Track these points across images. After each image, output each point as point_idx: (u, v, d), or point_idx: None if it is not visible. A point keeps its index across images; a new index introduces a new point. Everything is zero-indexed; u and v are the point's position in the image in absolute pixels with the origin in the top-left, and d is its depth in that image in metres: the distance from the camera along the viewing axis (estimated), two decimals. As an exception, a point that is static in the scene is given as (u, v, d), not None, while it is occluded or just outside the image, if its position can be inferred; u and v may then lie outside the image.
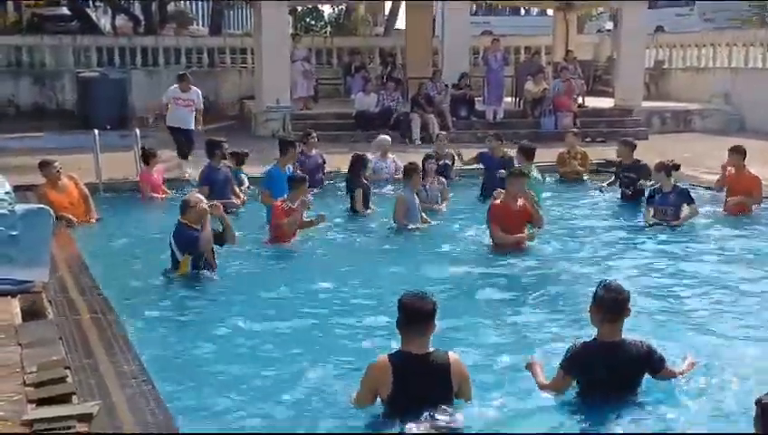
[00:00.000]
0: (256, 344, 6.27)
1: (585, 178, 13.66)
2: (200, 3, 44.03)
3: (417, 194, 10.45)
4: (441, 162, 12.43)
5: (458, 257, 8.97)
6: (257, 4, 19.85)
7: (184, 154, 13.85)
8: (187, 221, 7.85)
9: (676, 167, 10.65)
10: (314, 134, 13.22)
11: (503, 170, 11.69)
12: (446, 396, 4.74)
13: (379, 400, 4.81)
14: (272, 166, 10.82)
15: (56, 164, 10.66)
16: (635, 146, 12.15)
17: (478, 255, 9.10)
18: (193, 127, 14.02)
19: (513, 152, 11.86)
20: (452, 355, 4.86)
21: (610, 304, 4.98)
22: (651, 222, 10.18)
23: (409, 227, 9.89)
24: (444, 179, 11.84)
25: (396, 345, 4.99)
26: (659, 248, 9.30)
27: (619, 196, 11.88)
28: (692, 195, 10.49)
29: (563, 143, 14.33)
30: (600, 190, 12.25)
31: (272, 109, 18.67)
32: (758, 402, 3.83)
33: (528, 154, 11.16)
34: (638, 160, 11.84)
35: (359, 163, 11.35)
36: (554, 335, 6.39)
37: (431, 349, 4.78)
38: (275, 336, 6.47)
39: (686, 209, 10.21)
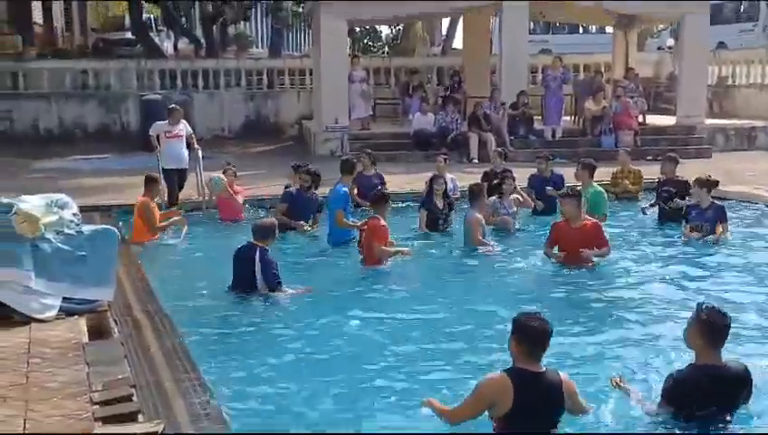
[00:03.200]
0: (323, 365, 6.28)
1: (640, 197, 13.44)
2: (260, 25, 44.76)
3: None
4: (495, 181, 12.33)
5: (519, 277, 8.96)
6: (316, 26, 20.09)
7: (173, 201, 12.64)
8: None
9: (716, 183, 10.54)
10: (371, 153, 13.26)
11: (549, 187, 11.71)
12: (560, 412, 4.89)
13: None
14: (339, 185, 10.75)
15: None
16: (678, 162, 12.02)
17: (535, 274, 9.06)
18: (187, 165, 13.14)
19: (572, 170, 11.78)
20: (562, 374, 4.97)
21: (718, 329, 4.98)
22: (688, 238, 10.14)
23: (490, 246, 9.90)
24: (520, 198, 11.74)
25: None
26: (702, 265, 9.23)
27: (658, 214, 11.70)
28: (727, 213, 10.46)
29: (615, 162, 14.11)
30: (644, 213, 12.06)
31: (330, 129, 18.82)
32: None
33: (589, 170, 11.05)
34: (679, 176, 11.69)
35: (428, 184, 11.42)
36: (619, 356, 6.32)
37: (544, 367, 4.87)
38: (343, 357, 6.48)
39: (719, 228, 10.10)
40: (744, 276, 8.88)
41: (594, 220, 9.25)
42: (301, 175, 11.38)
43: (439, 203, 11.13)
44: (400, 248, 9.46)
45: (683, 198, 11.09)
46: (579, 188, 10.25)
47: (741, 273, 9.03)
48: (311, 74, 22.94)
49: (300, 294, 8.11)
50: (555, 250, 9.11)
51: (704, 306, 5.08)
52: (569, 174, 12.31)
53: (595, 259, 9.01)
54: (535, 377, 4.79)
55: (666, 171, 11.87)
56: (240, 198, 12.37)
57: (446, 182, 11.45)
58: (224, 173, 12.41)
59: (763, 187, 13.72)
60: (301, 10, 30.54)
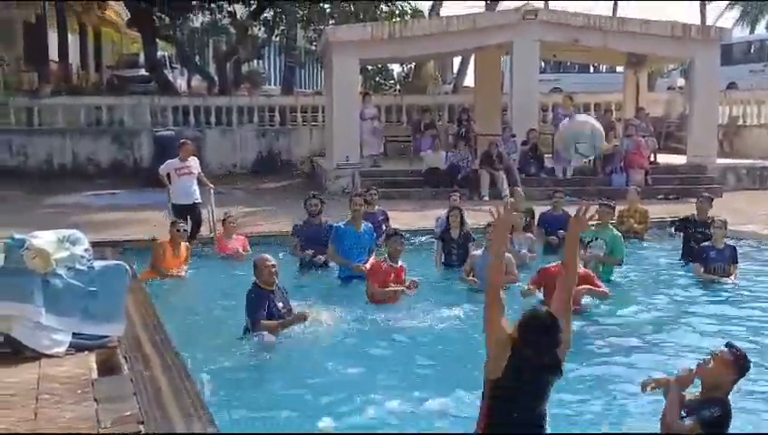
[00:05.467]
0: (334, 410, 6.24)
1: (645, 237, 13.36)
2: (273, 63, 45.17)
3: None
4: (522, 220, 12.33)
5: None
6: (329, 64, 20.27)
7: (192, 234, 12.39)
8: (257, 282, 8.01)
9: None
10: (375, 190, 13.26)
11: (562, 230, 11.62)
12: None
13: None
14: (342, 223, 10.81)
15: (182, 226, 11.18)
16: (712, 201, 11.96)
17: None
18: (199, 199, 13.00)
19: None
20: None
21: (747, 367, 5.02)
22: (705, 277, 10.11)
23: (476, 287, 9.74)
24: (531, 235, 11.80)
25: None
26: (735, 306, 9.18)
27: (682, 253, 11.60)
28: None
29: (625, 200, 14.04)
30: (671, 235, 12.01)
31: (342, 166, 18.90)
32: None
33: (612, 212, 11.02)
34: (711, 218, 11.55)
35: (445, 217, 11.51)
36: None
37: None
38: (350, 400, 6.44)
39: (733, 268, 10.17)
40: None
41: (586, 270, 8.97)
42: (306, 204, 11.38)
43: (454, 235, 11.16)
44: (396, 288, 9.20)
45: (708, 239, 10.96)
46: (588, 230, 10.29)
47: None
48: (323, 111, 23.11)
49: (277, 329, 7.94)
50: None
51: (734, 346, 5.10)
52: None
53: (586, 301, 8.83)
54: None
55: (701, 210, 11.66)
56: (240, 249, 12.10)
57: (462, 215, 11.43)
58: (223, 224, 12.45)
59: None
60: (313, 48, 30.84)
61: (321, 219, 11.27)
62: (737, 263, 10.28)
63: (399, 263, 9.37)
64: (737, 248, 10.57)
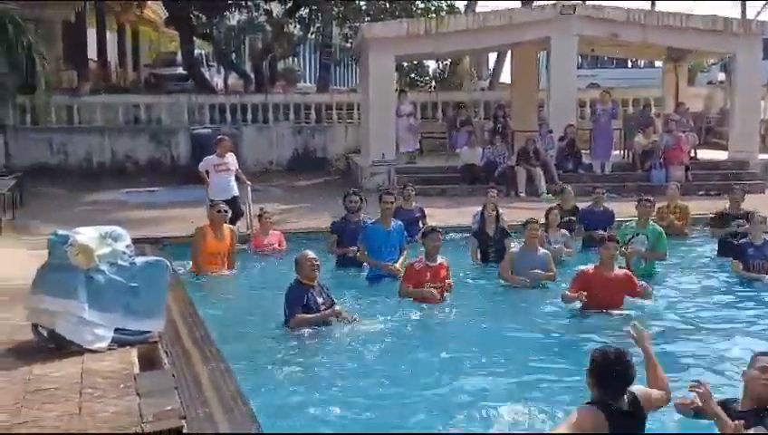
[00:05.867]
0: (370, 401, 6.26)
1: (686, 232, 13.20)
2: (308, 60, 45.27)
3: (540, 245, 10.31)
4: (565, 218, 12.20)
5: (548, 317, 8.79)
6: (365, 62, 20.26)
7: (232, 223, 12.19)
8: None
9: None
10: (411, 187, 13.18)
11: (601, 231, 11.56)
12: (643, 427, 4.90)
13: None
14: (370, 221, 10.73)
15: (222, 207, 11.08)
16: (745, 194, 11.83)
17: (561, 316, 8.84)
18: (237, 193, 13.17)
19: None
20: (636, 389, 4.90)
21: None
22: (746, 275, 9.89)
23: (514, 284, 9.69)
24: (567, 232, 11.72)
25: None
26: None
27: (718, 250, 11.50)
28: None
29: (665, 197, 13.76)
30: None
31: (377, 163, 18.89)
32: None
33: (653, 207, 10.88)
34: (751, 212, 11.19)
35: (480, 213, 11.46)
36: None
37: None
38: (386, 397, 6.44)
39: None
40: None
41: (626, 271, 8.95)
42: (345, 200, 11.26)
43: (490, 231, 11.08)
44: (422, 290, 8.97)
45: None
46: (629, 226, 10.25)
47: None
48: (358, 109, 23.11)
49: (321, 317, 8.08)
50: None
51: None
52: (620, 208, 12.16)
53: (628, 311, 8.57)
54: (622, 414, 4.73)
55: (734, 202, 11.71)
56: (276, 245, 12.14)
57: (497, 210, 11.35)
58: (259, 219, 12.46)
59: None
60: (349, 45, 30.82)
61: (360, 216, 11.12)
62: None
63: (439, 260, 9.20)
64: None
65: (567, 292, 8.63)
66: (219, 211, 10.97)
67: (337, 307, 8.20)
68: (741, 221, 11.06)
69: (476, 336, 8.06)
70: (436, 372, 7.00)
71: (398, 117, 19.49)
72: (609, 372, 4.70)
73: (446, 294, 9.09)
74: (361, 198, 11.30)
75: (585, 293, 8.34)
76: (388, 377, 6.81)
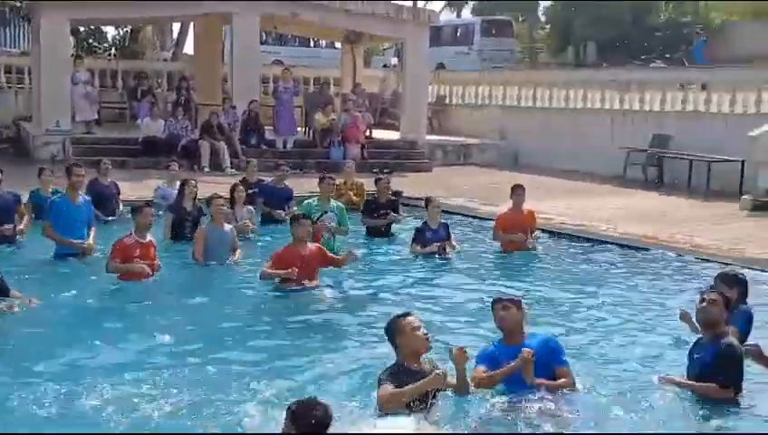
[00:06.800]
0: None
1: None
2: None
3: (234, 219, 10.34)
4: (251, 191, 12.33)
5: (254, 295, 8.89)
6: (36, 24, 18.96)
7: None
8: None
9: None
10: (107, 161, 12.75)
11: (281, 211, 11.95)
12: None
13: None
14: (58, 196, 10.15)
15: None
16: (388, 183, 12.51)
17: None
18: None
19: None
20: None
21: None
22: (423, 251, 10.53)
23: (209, 264, 9.58)
24: (252, 208, 11.80)
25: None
26: (433, 280, 9.67)
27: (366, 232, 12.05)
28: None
29: (343, 174, 14.29)
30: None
31: (51, 132, 17.84)
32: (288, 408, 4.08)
33: (327, 186, 11.17)
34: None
35: (179, 187, 11.24)
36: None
37: None
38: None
39: (450, 243, 10.75)
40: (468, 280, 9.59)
41: (317, 244, 9.15)
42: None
43: (188, 206, 10.94)
44: (133, 266, 8.66)
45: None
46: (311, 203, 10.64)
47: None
48: (30, 74, 21.54)
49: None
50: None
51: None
52: (299, 185, 12.59)
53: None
54: None
55: (381, 192, 12.15)
56: None
57: (196, 186, 11.19)
58: None
59: (477, 200, 14.84)
60: (19, 5, 28.57)
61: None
62: (451, 237, 10.85)
63: (149, 237, 8.96)
64: (449, 224, 11.17)
65: (266, 269, 8.64)
66: None
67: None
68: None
69: (182, 311, 8.01)
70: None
71: (74, 84, 18.52)
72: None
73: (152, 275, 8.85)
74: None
75: (295, 269, 8.45)
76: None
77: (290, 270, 8.46)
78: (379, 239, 11.71)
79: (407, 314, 5.58)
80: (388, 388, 5.15)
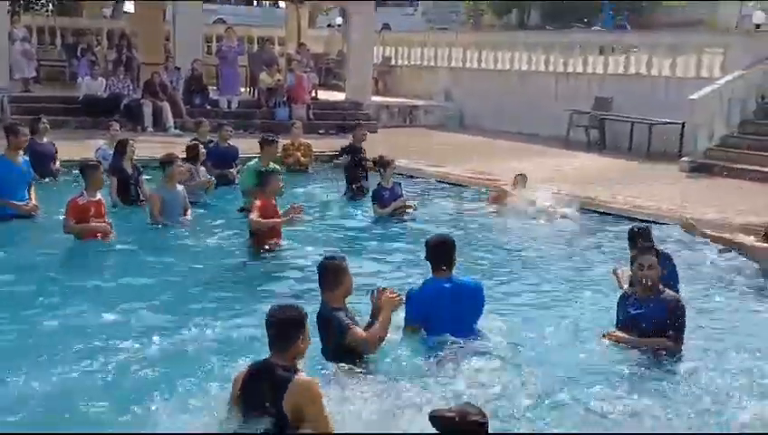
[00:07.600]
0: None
1: (310, 169, 13.94)
2: None
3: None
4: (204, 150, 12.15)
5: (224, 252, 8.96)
6: (-30, -23, 18.36)
7: None
8: None
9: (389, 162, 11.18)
10: (45, 120, 12.42)
11: (233, 170, 12.11)
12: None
13: None
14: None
15: None
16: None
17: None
18: None
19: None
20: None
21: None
22: (384, 212, 10.65)
23: (167, 224, 9.52)
24: (204, 168, 11.60)
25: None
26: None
27: (347, 187, 12.13)
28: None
29: (289, 134, 14.32)
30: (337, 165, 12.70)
31: (-13, 91, 17.38)
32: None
33: (264, 145, 11.16)
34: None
35: (117, 148, 11.05)
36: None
37: None
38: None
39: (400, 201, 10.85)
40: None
41: (271, 201, 8.98)
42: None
43: (128, 168, 10.78)
44: (96, 226, 8.66)
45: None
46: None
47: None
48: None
49: None
50: None
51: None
52: (244, 145, 12.50)
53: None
54: None
55: (357, 138, 12.44)
56: None
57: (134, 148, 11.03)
58: None
59: (422, 161, 14.92)
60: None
61: None
62: (403, 196, 10.92)
63: (98, 195, 8.88)
64: (401, 184, 11.33)
65: (256, 217, 8.58)
66: None
67: None
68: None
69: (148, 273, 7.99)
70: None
71: (11, 42, 18.04)
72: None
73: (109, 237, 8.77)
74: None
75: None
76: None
77: (286, 218, 8.68)
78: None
79: (343, 258, 5.72)
80: (362, 332, 5.41)
